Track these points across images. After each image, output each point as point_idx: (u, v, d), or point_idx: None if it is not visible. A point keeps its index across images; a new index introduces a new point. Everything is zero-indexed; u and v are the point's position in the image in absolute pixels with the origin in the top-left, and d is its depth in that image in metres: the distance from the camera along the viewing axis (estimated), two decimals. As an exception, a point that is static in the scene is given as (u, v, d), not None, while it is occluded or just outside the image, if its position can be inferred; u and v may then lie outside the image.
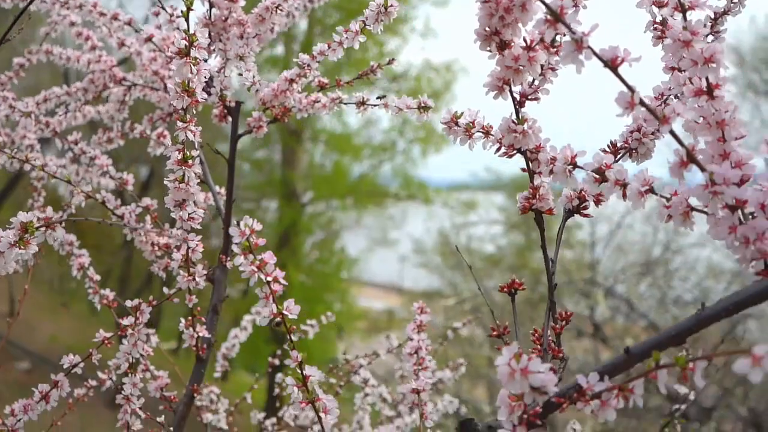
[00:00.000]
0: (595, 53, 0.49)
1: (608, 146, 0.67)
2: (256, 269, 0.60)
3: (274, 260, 0.61)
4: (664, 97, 0.67)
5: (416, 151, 11.96)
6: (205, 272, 0.88)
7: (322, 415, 0.62)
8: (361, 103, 0.92)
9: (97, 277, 1.08)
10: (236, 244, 0.59)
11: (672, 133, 0.50)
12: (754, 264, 0.50)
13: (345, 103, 0.94)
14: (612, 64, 0.49)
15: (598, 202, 0.65)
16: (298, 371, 0.63)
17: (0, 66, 1.37)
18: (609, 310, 5.71)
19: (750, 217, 0.51)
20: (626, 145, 0.67)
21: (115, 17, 1.07)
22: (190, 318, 0.93)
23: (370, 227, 12.42)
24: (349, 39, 0.86)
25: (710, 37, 0.70)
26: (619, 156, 0.67)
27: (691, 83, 0.54)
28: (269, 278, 0.60)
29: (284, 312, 0.62)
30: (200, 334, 0.94)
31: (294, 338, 0.65)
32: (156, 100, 1.15)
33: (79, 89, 1.17)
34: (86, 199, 0.98)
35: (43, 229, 0.65)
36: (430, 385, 0.95)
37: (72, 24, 1.16)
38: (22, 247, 0.65)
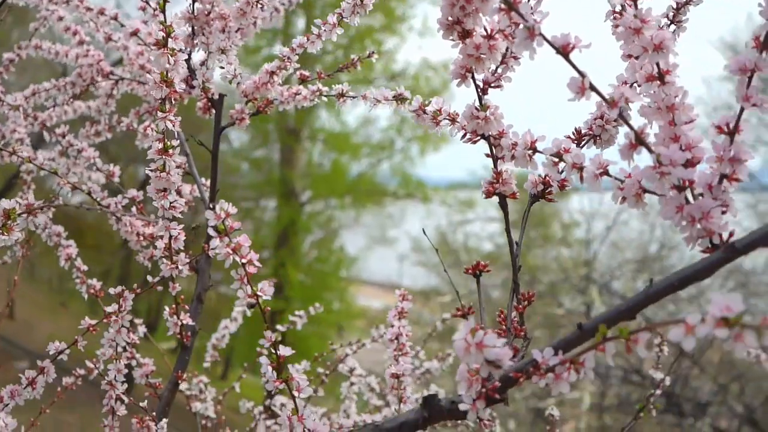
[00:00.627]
0: (546, 40, 0.51)
1: (572, 133, 0.69)
2: (231, 251, 0.62)
3: (248, 243, 0.63)
4: (627, 85, 0.69)
5: (414, 149, 11.99)
6: (187, 260, 0.90)
7: (295, 393, 0.64)
8: (341, 95, 0.94)
9: (85, 268, 1.11)
10: (212, 227, 0.61)
11: (621, 116, 0.52)
12: (700, 242, 0.52)
13: (325, 96, 0.96)
14: (563, 50, 0.51)
15: (562, 187, 0.67)
16: (273, 351, 0.65)
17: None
18: (605, 306, 5.73)
19: (700, 197, 0.53)
20: (590, 132, 0.69)
21: (101, 12, 1.09)
22: (174, 306, 0.95)
23: (368, 226, 12.44)
24: (327, 31, 0.88)
25: (672, 26, 0.72)
26: (583, 142, 0.69)
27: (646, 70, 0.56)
28: (244, 260, 0.62)
29: (258, 293, 0.64)
30: (184, 322, 0.96)
31: (278, 326, 0.67)
32: (143, 94, 1.17)
33: (67, 83, 1.19)
34: (72, 189, 1.00)
35: (25, 215, 0.67)
36: (410, 370, 0.97)
37: (60, 19, 1.18)
38: (5, 233, 0.67)
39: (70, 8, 1.10)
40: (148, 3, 0.95)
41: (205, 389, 1.25)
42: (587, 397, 5.71)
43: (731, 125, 0.53)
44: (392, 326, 0.95)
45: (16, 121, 1.15)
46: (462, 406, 0.55)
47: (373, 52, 0.99)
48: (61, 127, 1.14)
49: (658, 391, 1.06)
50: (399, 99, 0.87)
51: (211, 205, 0.61)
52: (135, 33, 1.08)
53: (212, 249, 0.62)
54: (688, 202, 0.52)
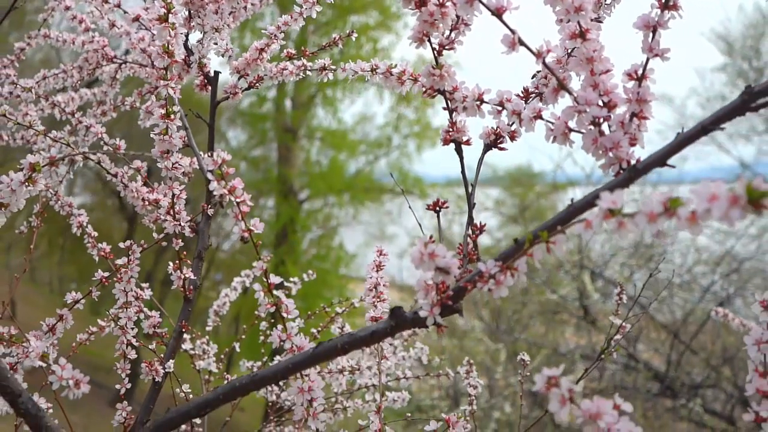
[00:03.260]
0: (483, 4, 0.62)
1: (521, 91, 0.80)
2: (227, 192, 0.73)
3: (242, 185, 0.74)
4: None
5: (411, 146, 12.09)
6: (189, 218, 1.01)
7: (284, 314, 0.75)
8: (323, 68, 1.05)
9: (95, 234, 1.21)
10: (209, 171, 0.72)
11: (546, 65, 0.63)
12: (612, 167, 0.63)
13: (309, 70, 1.07)
14: (498, 12, 0.62)
15: (512, 138, 0.78)
16: (264, 279, 0.76)
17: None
18: (597, 292, 5.84)
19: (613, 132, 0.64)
20: (536, 90, 0.80)
21: (105, 1, 1.19)
22: (177, 261, 1.06)
23: (367, 223, 12.55)
24: (307, 8, 0.99)
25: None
26: (531, 98, 0.80)
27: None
28: (238, 200, 0.73)
29: (251, 228, 0.75)
30: (187, 276, 1.07)
31: (262, 256, 0.78)
32: (144, 76, 1.27)
33: (75, 67, 1.29)
34: (84, 159, 1.11)
35: (47, 167, 0.77)
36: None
37: (67, 8, 1.29)
38: (30, 184, 0.78)
39: (77, -2, 1.21)
40: (149, -10, 1.06)
41: (208, 345, 1.36)
42: (581, 383, 5.82)
43: (639, 73, 0.64)
44: (370, 277, 1.06)
45: (27, 102, 1.25)
46: (422, 313, 0.66)
47: (352, 32, 1.10)
48: (71, 106, 1.25)
49: (618, 336, 1.16)
50: (373, 71, 0.98)
51: (209, 153, 0.72)
52: (136, 19, 1.18)
53: (211, 191, 0.73)
54: (602, 135, 0.63)
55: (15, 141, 1.48)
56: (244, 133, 11.51)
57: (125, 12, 1.20)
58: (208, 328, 1.49)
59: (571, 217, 0.62)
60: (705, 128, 0.58)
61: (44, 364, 0.75)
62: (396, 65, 0.77)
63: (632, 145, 0.63)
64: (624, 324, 1.16)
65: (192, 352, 1.38)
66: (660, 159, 0.59)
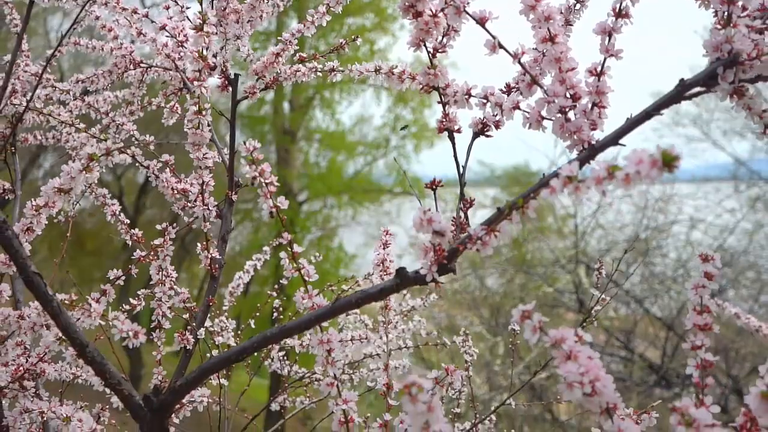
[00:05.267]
0: (469, 14, 0.76)
1: (504, 86, 0.94)
2: (258, 174, 0.87)
3: (270, 168, 0.88)
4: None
5: (409, 147, 12.23)
6: (216, 203, 1.15)
7: (306, 278, 0.89)
8: (332, 70, 1.19)
9: (127, 221, 1.35)
10: (243, 156, 0.86)
11: (521, 65, 0.77)
12: (576, 147, 0.77)
13: (319, 72, 1.21)
14: (481, 21, 0.76)
15: (497, 126, 0.92)
16: (289, 249, 0.90)
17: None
18: (592, 284, 5.98)
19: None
20: (516, 86, 0.94)
21: (134, 11, 1.33)
22: (205, 242, 1.20)
23: (366, 224, 12.67)
24: (318, 18, 1.13)
25: (579, 5, 0.97)
26: (513, 92, 0.94)
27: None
28: (267, 180, 0.87)
29: (278, 204, 0.88)
30: (213, 256, 1.21)
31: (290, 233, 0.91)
32: (168, 78, 1.41)
33: (105, 71, 1.43)
34: (119, 153, 1.24)
35: (104, 156, 0.91)
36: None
37: (97, 18, 1.43)
38: (88, 172, 0.92)
39: (108, 9, 1.34)
40: (176, 1, 1.20)
41: (227, 321, 1.50)
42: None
43: (598, 70, 0.78)
44: (378, 254, 1.20)
45: (66, 104, 1.39)
46: (422, 271, 0.80)
47: (356, 37, 1.24)
48: (104, 107, 1.39)
49: (598, 307, 1.30)
50: (377, 71, 1.11)
51: (243, 141, 0.86)
52: (163, 27, 1.32)
53: (245, 173, 0.86)
54: (568, 121, 0.77)
55: (47, 140, 1.62)
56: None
57: (152, 21, 1.34)
58: (224, 308, 1.63)
59: (542, 187, 0.76)
60: (648, 114, 0.71)
61: (103, 322, 0.89)
62: (397, 66, 0.91)
63: (593, 129, 0.77)
64: (604, 297, 1.30)
65: (212, 329, 1.51)
66: (612, 139, 0.73)
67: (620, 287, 6.47)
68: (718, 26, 0.70)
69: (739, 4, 0.70)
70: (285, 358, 1.77)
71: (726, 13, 0.69)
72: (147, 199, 10.63)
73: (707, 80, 0.69)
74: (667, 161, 0.54)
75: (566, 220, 8.75)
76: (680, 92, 0.71)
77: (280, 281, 1.65)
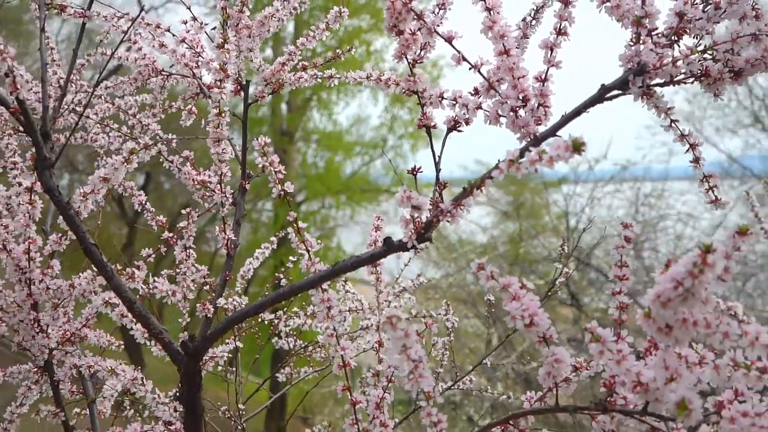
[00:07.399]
0: (438, 34, 0.96)
1: (472, 89, 1.14)
2: (268, 164, 1.06)
3: (278, 159, 1.07)
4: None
5: (406, 146, 12.42)
6: (232, 191, 1.35)
7: (309, 248, 1.09)
8: (331, 77, 1.39)
9: (153, 210, 1.55)
10: (256, 150, 1.05)
11: (480, 74, 0.97)
12: (525, 138, 0.96)
13: (320, 78, 1.41)
14: (449, 39, 0.96)
15: (467, 123, 1.12)
16: (295, 225, 1.09)
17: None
18: (580, 276, 6.19)
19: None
20: (479, 90, 1.13)
21: (157, 26, 1.53)
22: (222, 225, 1.40)
23: (364, 223, 12.85)
24: (319, 32, 1.33)
25: (533, 21, 1.16)
26: (476, 95, 1.14)
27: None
28: (276, 169, 1.07)
29: (285, 189, 1.08)
30: (229, 237, 1.41)
31: (295, 211, 1.11)
32: (186, 85, 1.61)
33: (131, 79, 1.63)
34: (145, 149, 1.44)
35: (143, 150, 1.11)
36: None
37: (124, 33, 1.62)
38: (128, 163, 1.11)
39: (134, 25, 1.54)
40: (195, 18, 1.40)
41: (240, 298, 1.70)
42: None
43: (543, 77, 0.98)
44: (371, 236, 1.40)
45: (98, 108, 1.59)
46: (404, 239, 0.99)
47: (351, 47, 1.44)
48: (132, 109, 1.59)
49: (562, 279, 1.50)
50: (368, 78, 1.31)
51: (255, 138, 1.05)
52: (183, 40, 1.52)
53: (257, 163, 1.06)
54: (519, 118, 0.97)
55: (75, 140, 1.82)
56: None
57: (174, 35, 1.53)
58: (237, 289, 1.83)
59: (495, 169, 0.96)
60: (578, 111, 0.91)
61: (145, 287, 1.08)
62: (384, 73, 1.11)
63: (538, 124, 0.97)
64: (567, 271, 1.49)
65: (226, 306, 1.71)
66: (551, 132, 0.93)
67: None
68: (631, 43, 0.90)
69: (647, 26, 0.90)
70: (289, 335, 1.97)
71: (636, 33, 0.89)
72: (148, 200, 10.81)
73: (621, 85, 0.89)
74: (576, 147, 0.73)
75: (561, 218, 8.97)
76: (602, 94, 0.91)
77: (280, 282, 1.85)
